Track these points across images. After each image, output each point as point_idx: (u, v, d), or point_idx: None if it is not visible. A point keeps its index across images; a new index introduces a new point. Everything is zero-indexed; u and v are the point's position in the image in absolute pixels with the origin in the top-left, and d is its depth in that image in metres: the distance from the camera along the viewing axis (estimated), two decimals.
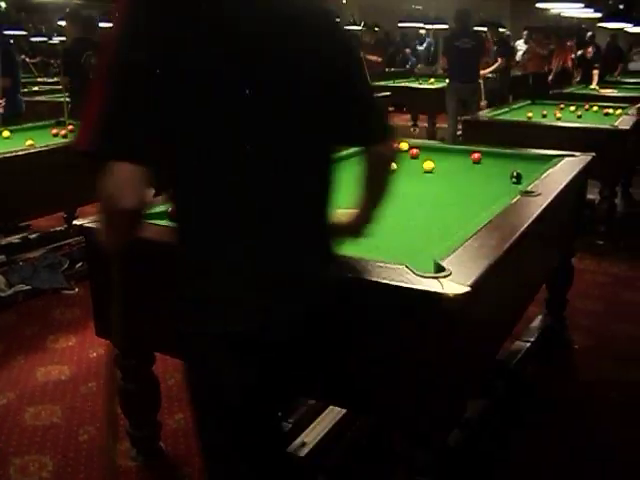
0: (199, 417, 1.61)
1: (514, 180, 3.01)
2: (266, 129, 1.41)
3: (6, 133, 5.08)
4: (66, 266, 4.67)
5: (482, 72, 8.75)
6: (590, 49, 10.93)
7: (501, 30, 11.22)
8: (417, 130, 11.24)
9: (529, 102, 7.21)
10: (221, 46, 1.34)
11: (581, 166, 3.30)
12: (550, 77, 10.87)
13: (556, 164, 3.32)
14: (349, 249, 1.95)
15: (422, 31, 16.94)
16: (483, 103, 8.75)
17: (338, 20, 1.61)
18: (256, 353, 1.47)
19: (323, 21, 1.50)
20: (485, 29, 11.36)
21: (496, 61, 9.84)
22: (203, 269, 1.49)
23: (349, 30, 2.10)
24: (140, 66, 1.33)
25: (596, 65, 10.40)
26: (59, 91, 7.34)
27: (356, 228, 1.79)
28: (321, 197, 1.64)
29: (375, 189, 1.80)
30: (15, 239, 5.22)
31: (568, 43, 11.93)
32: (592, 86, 9.73)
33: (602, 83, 9.82)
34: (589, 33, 13.19)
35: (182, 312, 1.58)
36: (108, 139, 1.40)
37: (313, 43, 1.44)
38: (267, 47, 1.37)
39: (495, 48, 10.34)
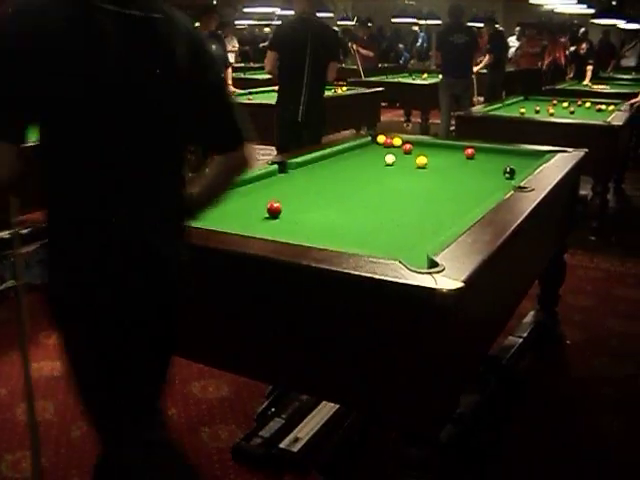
0: (77, 373, 1.80)
1: (507, 175, 3.02)
2: (134, 136, 1.61)
3: None
4: None
5: (474, 69, 8.77)
6: (584, 45, 10.93)
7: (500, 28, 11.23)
8: (410, 126, 11.24)
9: (522, 98, 7.22)
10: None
11: (574, 162, 3.31)
12: (544, 69, 10.90)
13: (549, 160, 3.33)
14: (344, 244, 1.95)
15: (415, 27, 16.93)
16: (476, 99, 8.77)
17: (201, 45, 1.76)
18: (112, 320, 1.66)
19: (185, 52, 1.65)
20: (481, 25, 11.36)
21: (485, 57, 9.87)
22: (66, 240, 1.66)
23: (212, 58, 2.09)
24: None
25: (590, 61, 10.41)
26: None
27: (190, 209, 1.88)
28: (173, 183, 1.77)
29: (218, 187, 1.89)
30: (6, 234, 5.20)
31: (562, 39, 11.94)
32: (585, 82, 9.75)
33: (595, 79, 9.84)
34: (582, 29, 13.22)
35: (49, 280, 1.79)
36: None
37: (172, 76, 1.63)
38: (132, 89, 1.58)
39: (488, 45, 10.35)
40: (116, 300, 1.64)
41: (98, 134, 1.55)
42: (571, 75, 10.92)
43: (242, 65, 14.69)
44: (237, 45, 13.45)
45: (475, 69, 9.04)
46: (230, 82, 7.64)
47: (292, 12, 11.84)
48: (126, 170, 1.62)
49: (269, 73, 5.62)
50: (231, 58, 12.71)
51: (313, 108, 5.25)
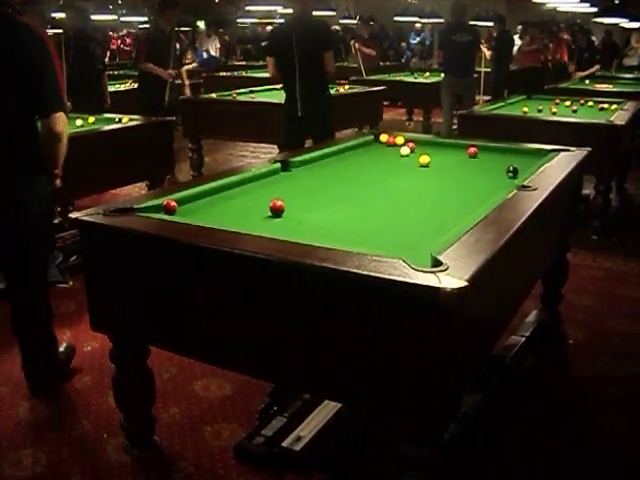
0: None
1: (510, 175, 3.01)
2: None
3: None
4: (60, 259, 4.65)
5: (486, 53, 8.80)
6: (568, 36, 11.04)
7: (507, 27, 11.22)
8: (412, 124, 11.24)
9: (524, 97, 7.20)
10: None
11: (577, 161, 3.30)
12: (549, 66, 10.93)
13: (552, 159, 3.32)
14: (347, 243, 1.95)
15: (418, 25, 16.94)
16: (479, 98, 8.76)
17: (41, 51, 2.74)
18: None
19: (19, 47, 2.69)
20: (490, 24, 11.37)
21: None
22: None
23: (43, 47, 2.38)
24: None
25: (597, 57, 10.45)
26: None
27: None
28: (17, 136, 2.77)
29: (48, 151, 2.82)
30: None
31: (565, 36, 11.94)
32: (579, 74, 9.74)
33: (597, 78, 9.82)
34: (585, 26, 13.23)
35: None
36: None
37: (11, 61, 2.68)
38: None
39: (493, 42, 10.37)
40: None
41: None
42: (574, 68, 10.97)
43: (244, 63, 14.70)
44: (219, 45, 13.48)
45: (487, 53, 9.02)
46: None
47: (291, 11, 11.93)
48: None
49: (273, 77, 5.79)
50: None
51: (313, 102, 5.38)
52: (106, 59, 12.44)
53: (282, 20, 9.28)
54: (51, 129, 2.76)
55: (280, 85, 5.81)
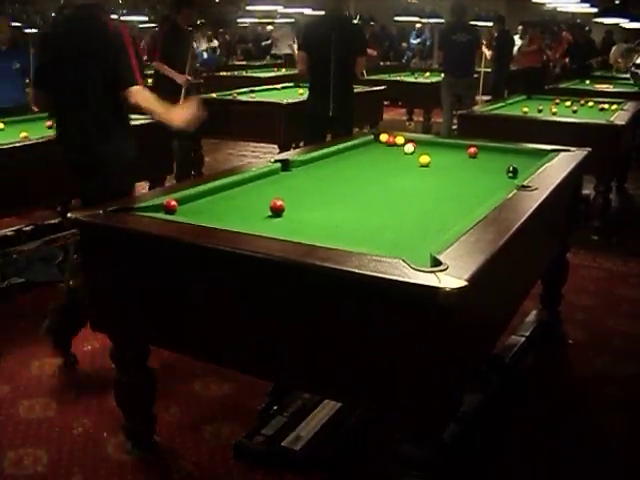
0: None
1: (510, 175, 3.01)
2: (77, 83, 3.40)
3: (0, 125, 5.04)
4: (60, 259, 4.65)
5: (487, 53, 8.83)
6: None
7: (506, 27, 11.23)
8: (412, 124, 11.24)
9: (525, 97, 7.20)
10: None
11: (577, 161, 3.31)
12: (557, 70, 10.97)
13: (552, 159, 3.32)
14: (347, 243, 1.95)
15: (418, 25, 16.93)
16: (479, 98, 8.77)
17: (114, 38, 3.36)
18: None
19: (100, 35, 3.39)
20: (489, 24, 11.39)
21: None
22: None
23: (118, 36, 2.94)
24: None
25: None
26: None
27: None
28: (102, 108, 3.41)
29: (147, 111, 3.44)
30: (9, 231, 5.20)
31: (564, 33, 11.95)
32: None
33: (597, 79, 9.82)
34: (586, 28, 13.23)
35: None
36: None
37: (93, 47, 3.37)
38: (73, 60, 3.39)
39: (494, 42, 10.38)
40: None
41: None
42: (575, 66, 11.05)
43: (244, 63, 14.70)
44: (204, 45, 13.48)
45: (487, 53, 9.05)
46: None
47: (293, 11, 11.87)
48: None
49: (301, 73, 5.83)
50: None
51: (343, 103, 5.43)
52: None
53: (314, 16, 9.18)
54: (127, 100, 3.33)
55: (282, 85, 5.82)
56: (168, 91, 6.22)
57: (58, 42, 3.49)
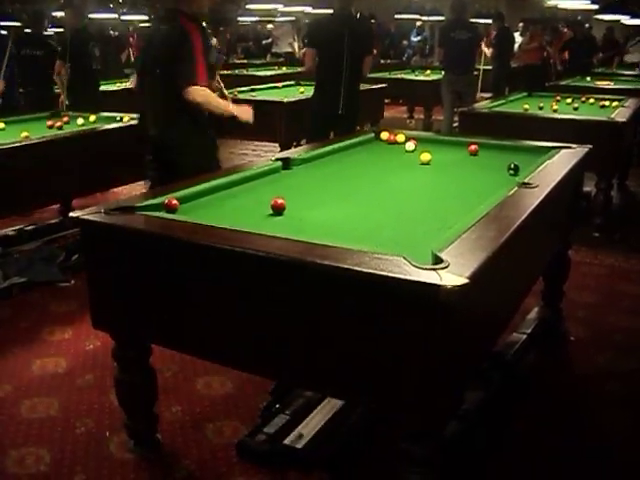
0: None
1: (511, 172, 3.01)
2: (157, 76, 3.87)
3: (0, 125, 5.05)
4: (62, 258, 4.65)
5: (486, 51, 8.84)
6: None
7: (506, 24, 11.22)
8: (413, 122, 11.24)
9: (525, 94, 7.20)
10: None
11: (578, 158, 3.30)
12: (559, 68, 10.98)
13: (553, 156, 3.32)
14: (348, 241, 1.95)
15: (419, 23, 16.90)
16: (479, 95, 8.76)
17: (182, 39, 3.71)
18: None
19: (173, 43, 3.75)
20: (489, 21, 11.38)
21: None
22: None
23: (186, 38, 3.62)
24: None
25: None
26: (54, 82, 7.32)
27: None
28: (172, 101, 3.77)
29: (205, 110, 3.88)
30: (10, 231, 5.21)
31: (565, 30, 11.93)
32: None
33: (598, 75, 9.81)
34: (586, 25, 13.21)
35: None
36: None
37: (167, 52, 3.77)
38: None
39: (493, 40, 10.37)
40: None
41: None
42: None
43: (245, 62, 14.68)
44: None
45: (487, 51, 9.06)
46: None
47: (293, 9, 11.86)
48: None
49: (309, 70, 5.77)
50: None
51: (352, 101, 5.43)
52: (124, 59, 12.47)
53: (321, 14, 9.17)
54: (186, 98, 3.69)
55: (282, 83, 5.81)
56: None
57: (149, 40, 4.19)
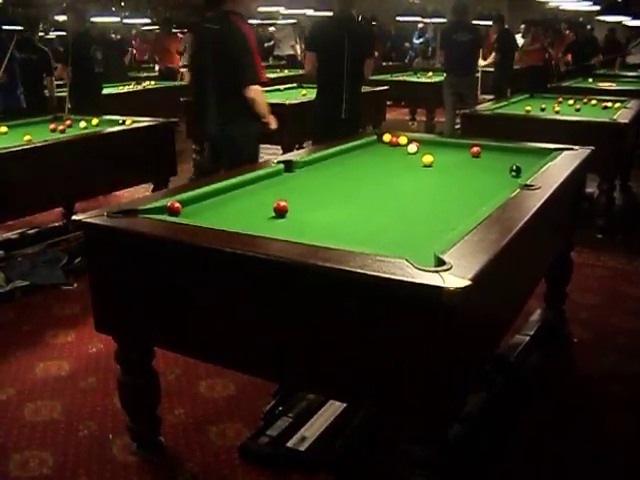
0: None
1: (514, 174, 3.01)
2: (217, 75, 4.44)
3: (3, 128, 5.06)
4: (65, 261, 4.66)
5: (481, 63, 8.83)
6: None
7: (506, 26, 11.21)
8: (415, 124, 11.23)
9: (527, 96, 7.20)
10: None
11: (580, 160, 3.30)
12: (562, 69, 10.98)
13: (555, 158, 3.32)
14: (350, 243, 1.96)
15: (421, 25, 16.91)
16: (481, 97, 8.77)
17: (239, 38, 4.18)
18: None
19: (230, 42, 4.21)
20: (489, 23, 11.38)
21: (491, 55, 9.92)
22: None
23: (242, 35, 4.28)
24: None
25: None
26: (57, 86, 7.34)
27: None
28: (232, 97, 4.26)
29: (253, 108, 4.29)
30: (13, 234, 5.22)
31: (567, 32, 11.93)
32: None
33: (600, 77, 9.81)
34: (588, 27, 13.20)
35: None
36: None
37: (224, 50, 4.25)
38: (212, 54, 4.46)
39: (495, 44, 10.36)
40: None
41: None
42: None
43: None
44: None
45: (482, 63, 9.07)
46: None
47: (295, 12, 11.85)
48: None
49: (309, 73, 5.73)
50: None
51: (353, 105, 5.39)
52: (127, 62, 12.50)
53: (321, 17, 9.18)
54: (246, 95, 4.22)
55: (285, 86, 5.81)
56: None
57: (201, 41, 4.66)
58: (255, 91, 4.25)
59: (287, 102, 6.60)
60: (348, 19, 5.50)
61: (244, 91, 4.22)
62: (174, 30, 11.98)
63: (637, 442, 2.83)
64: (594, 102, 6.69)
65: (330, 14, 5.84)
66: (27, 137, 4.50)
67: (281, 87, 8.36)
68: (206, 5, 5.47)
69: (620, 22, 10.73)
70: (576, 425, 2.93)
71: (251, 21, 17.13)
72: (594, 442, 2.82)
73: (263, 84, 4.47)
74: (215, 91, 4.48)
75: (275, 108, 6.39)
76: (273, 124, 4.54)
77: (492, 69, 10.17)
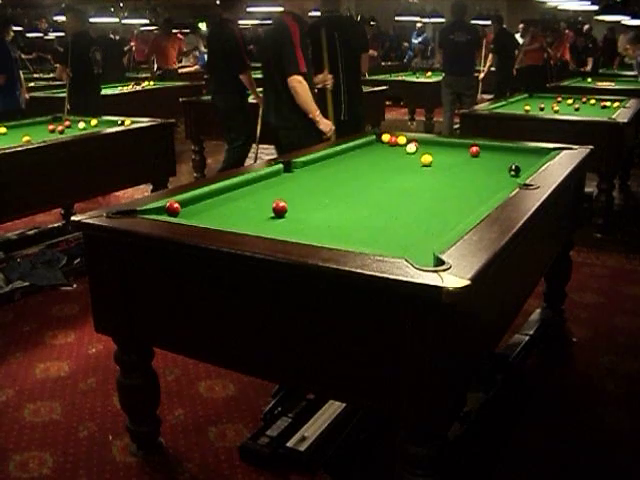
0: None
1: (513, 173, 3.01)
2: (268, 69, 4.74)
3: (2, 129, 5.06)
4: (64, 262, 4.66)
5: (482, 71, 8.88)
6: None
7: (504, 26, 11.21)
8: (414, 124, 11.24)
9: (526, 95, 7.20)
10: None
11: (579, 159, 3.30)
12: (571, 68, 11.02)
13: (554, 157, 3.32)
14: (350, 243, 1.96)
15: (419, 24, 16.93)
16: (480, 97, 8.78)
17: (284, 32, 4.48)
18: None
19: (277, 36, 4.58)
20: (487, 23, 11.39)
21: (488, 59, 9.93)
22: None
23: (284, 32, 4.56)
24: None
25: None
26: (56, 87, 7.34)
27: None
28: (285, 93, 4.54)
29: (296, 99, 4.53)
30: (13, 235, 5.22)
31: (566, 31, 11.93)
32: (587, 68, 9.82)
33: (599, 76, 9.81)
34: (586, 26, 13.21)
35: None
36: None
37: (273, 45, 4.58)
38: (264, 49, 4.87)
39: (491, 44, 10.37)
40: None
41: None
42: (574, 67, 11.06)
43: None
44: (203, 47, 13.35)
45: (482, 75, 9.14)
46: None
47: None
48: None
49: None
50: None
51: (354, 106, 5.37)
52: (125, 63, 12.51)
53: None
54: (289, 85, 4.49)
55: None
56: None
57: (261, 40, 5.40)
58: (294, 80, 4.45)
59: None
60: (336, 18, 5.43)
61: (288, 81, 4.48)
62: (174, 31, 11.97)
63: (635, 441, 2.83)
64: (593, 101, 6.70)
65: (318, 14, 5.80)
66: (26, 138, 4.50)
67: None
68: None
69: (619, 22, 10.75)
70: (575, 424, 2.93)
71: (249, 21, 17.19)
72: (593, 441, 2.82)
73: (304, 75, 4.52)
74: (272, 86, 4.70)
75: None
76: (326, 127, 4.65)
77: (494, 69, 10.17)
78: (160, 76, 10.91)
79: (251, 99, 6.31)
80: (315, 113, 4.58)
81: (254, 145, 6.25)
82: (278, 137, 4.80)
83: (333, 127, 4.69)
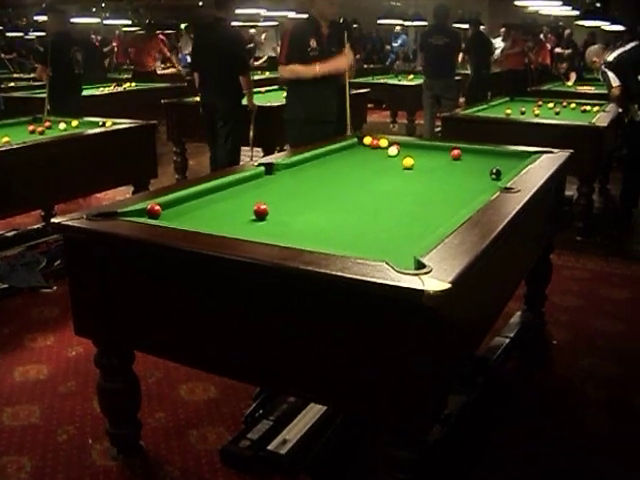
0: None
1: (494, 176, 3.02)
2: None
3: None
4: (44, 264, 4.62)
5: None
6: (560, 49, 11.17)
7: (482, 28, 11.26)
8: (396, 127, 11.27)
9: (508, 99, 7.24)
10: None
11: (559, 162, 3.32)
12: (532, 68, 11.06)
13: (535, 161, 3.34)
14: (331, 246, 1.96)
15: (397, 28, 16.98)
16: (462, 100, 8.83)
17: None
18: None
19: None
20: (467, 26, 11.45)
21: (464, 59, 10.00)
22: None
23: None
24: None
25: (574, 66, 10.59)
26: (36, 87, 7.28)
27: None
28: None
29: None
30: None
31: (549, 35, 12.00)
32: (569, 83, 9.84)
33: (580, 81, 9.88)
34: (567, 31, 13.31)
35: None
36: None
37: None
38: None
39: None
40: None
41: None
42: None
43: None
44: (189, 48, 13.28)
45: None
46: None
47: (277, 14, 11.78)
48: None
49: (283, 80, 5.56)
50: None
51: (343, 104, 5.17)
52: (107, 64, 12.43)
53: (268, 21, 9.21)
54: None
55: (265, 88, 5.85)
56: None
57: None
58: (281, 70, 5.04)
59: (268, 104, 6.59)
60: (315, 20, 5.23)
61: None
62: (157, 32, 11.92)
63: (614, 443, 2.85)
64: (573, 106, 6.76)
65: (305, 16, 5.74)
66: (5, 139, 4.46)
67: (262, 89, 8.34)
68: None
69: (599, 27, 10.84)
70: (554, 426, 2.95)
71: (235, 23, 17.14)
72: (572, 443, 2.84)
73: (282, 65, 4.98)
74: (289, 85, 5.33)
75: (258, 111, 6.43)
76: (339, 64, 4.92)
77: (469, 72, 10.24)
78: (137, 78, 10.83)
79: (244, 101, 6.25)
80: (315, 70, 4.83)
81: (248, 148, 6.24)
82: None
83: (344, 59, 4.91)
